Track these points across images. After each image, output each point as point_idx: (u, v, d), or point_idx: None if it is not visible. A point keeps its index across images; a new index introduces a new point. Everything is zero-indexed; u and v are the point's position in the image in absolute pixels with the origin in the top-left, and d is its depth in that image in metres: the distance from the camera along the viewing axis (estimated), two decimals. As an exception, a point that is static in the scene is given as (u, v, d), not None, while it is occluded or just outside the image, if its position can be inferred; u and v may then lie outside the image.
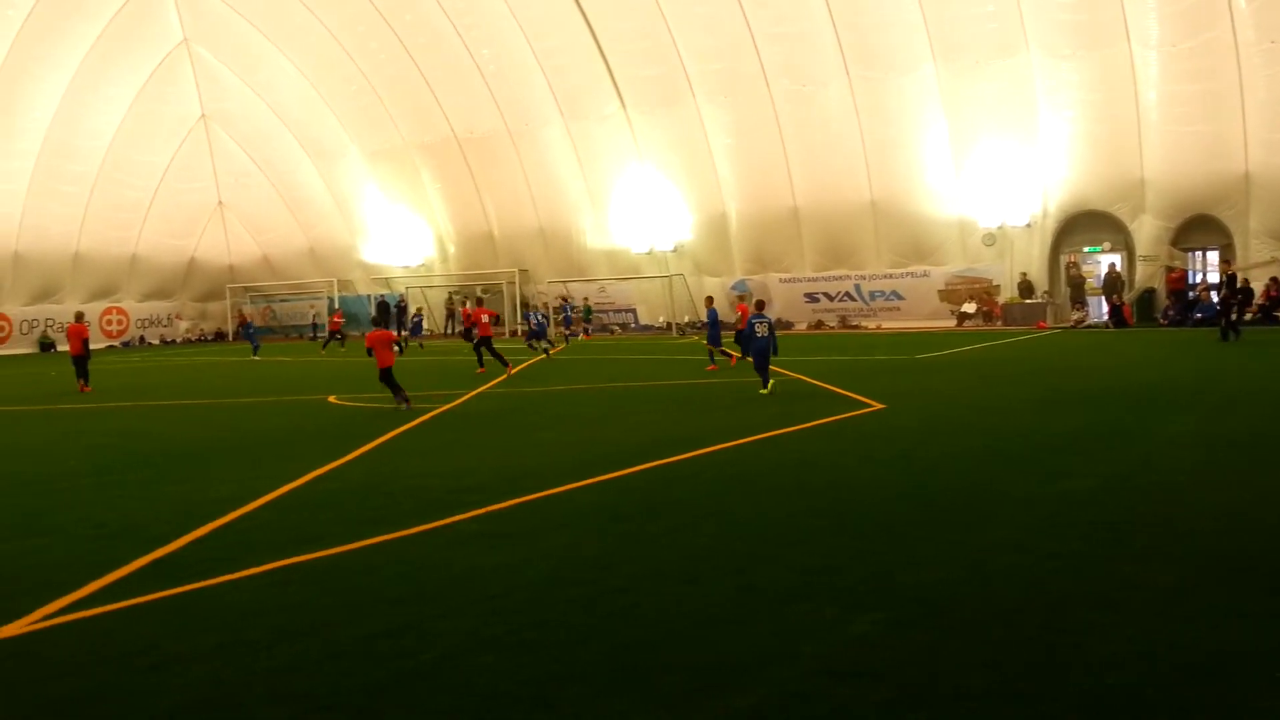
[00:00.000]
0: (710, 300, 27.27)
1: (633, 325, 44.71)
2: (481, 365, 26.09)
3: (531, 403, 18.88)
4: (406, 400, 18.01)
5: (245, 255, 55.70)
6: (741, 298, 28.35)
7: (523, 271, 46.79)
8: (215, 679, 5.42)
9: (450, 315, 49.88)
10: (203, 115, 49.99)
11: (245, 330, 39.81)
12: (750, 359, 19.54)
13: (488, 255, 47.76)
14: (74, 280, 49.81)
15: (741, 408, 16.67)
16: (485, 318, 26.55)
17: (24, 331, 48.18)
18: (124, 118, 47.26)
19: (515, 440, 13.93)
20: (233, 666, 5.59)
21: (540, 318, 34.81)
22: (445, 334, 49.82)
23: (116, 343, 52.13)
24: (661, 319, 43.86)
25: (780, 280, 41.40)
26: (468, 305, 31.46)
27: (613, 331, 45.00)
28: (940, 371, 21.56)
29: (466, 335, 33.30)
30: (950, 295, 38.52)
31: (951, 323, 37.92)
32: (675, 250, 43.01)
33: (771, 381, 18.38)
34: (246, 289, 56.25)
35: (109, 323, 52.16)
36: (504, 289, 47.34)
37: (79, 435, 16.58)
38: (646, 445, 12.83)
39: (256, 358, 35.75)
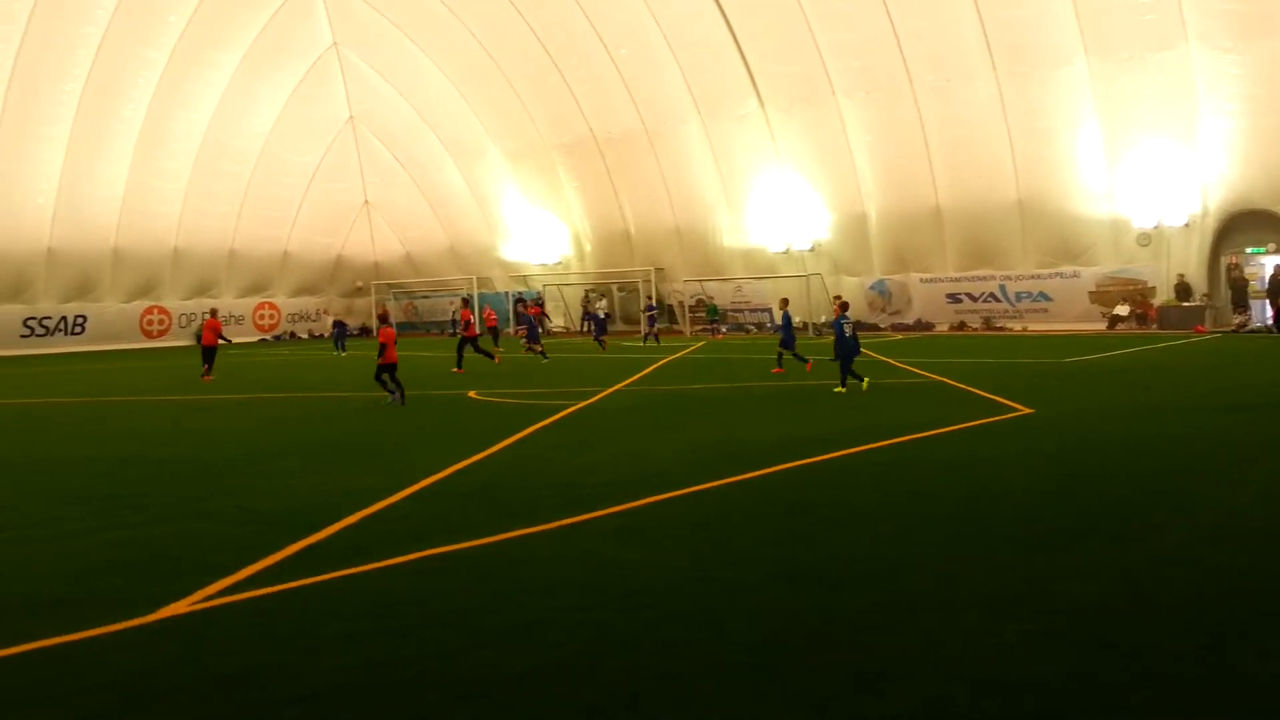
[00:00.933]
0: (785, 302, 26.71)
1: (768, 325, 44.38)
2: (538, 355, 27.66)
3: (666, 401, 18.89)
4: (399, 398, 18.77)
5: (389, 252, 57.36)
6: (838, 297, 27.51)
7: (658, 270, 46.95)
8: (366, 663, 5.54)
9: (586, 314, 50.39)
10: (350, 117, 51.67)
11: (336, 329, 39.78)
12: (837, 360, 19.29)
13: (624, 254, 48.09)
14: (229, 276, 52.12)
15: (877, 409, 16.35)
16: (533, 313, 27.51)
17: (182, 325, 50.57)
18: (276, 119, 49.26)
19: (652, 438, 13.95)
20: (382, 651, 5.71)
21: (603, 315, 35.59)
22: (580, 332, 50.34)
23: (268, 336, 54.27)
24: (798, 319, 43.41)
25: (921, 280, 40.53)
26: (527, 304, 31.89)
27: (748, 331, 44.80)
28: (1092, 376, 20.77)
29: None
30: (1102, 297, 37.07)
31: (1102, 325, 36.50)
32: (813, 249, 42.52)
33: (866, 380, 18.63)
34: (390, 285, 57.89)
35: (261, 317, 54.36)
36: (640, 287, 47.58)
37: (232, 425, 17.27)
38: (783, 445, 12.70)
39: (342, 354, 35.78)
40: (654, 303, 43.10)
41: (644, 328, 39.62)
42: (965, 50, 35.39)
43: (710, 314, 44.60)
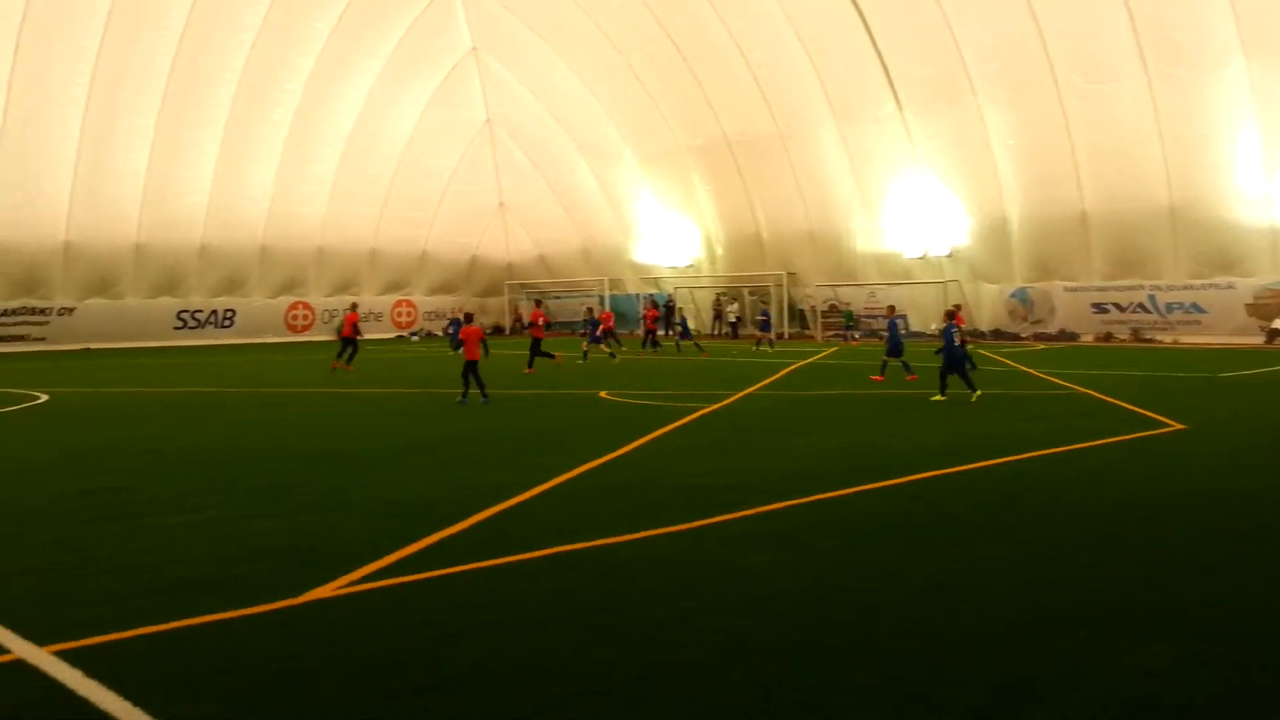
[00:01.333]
0: (892, 309, 26.19)
1: (903, 331, 43.57)
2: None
3: (798, 406, 18.73)
4: (465, 397, 18.94)
5: (523, 254, 58.31)
6: (958, 306, 26.82)
7: (790, 274, 46.58)
8: (498, 654, 5.63)
9: (717, 316, 50.36)
10: (488, 120, 52.71)
11: (451, 325, 38.80)
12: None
13: (755, 257, 47.85)
14: (370, 274, 53.76)
15: (1016, 421, 15.91)
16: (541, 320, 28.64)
17: (325, 320, 52.38)
18: (416, 123, 50.60)
19: (783, 442, 13.84)
20: (514, 643, 5.80)
21: (734, 319, 35.53)
22: (712, 334, 50.31)
23: (405, 333, 55.74)
24: (934, 326, 42.46)
25: (1065, 289, 39.21)
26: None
27: (881, 337, 44.02)
28: (1248, 392, 19.79)
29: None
30: (1259, 310, 35.22)
31: (1260, 340, 34.71)
32: (950, 255, 41.57)
33: (978, 392, 18.40)
34: (523, 286, 58.85)
35: (399, 314, 55.86)
36: (771, 291, 47.29)
37: (371, 418, 17.79)
38: (916, 454, 12.46)
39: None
40: (766, 308, 42.78)
41: (758, 333, 39.30)
42: (1115, 51, 34.07)
43: (846, 320, 43.98)
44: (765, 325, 38.81)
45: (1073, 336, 38.94)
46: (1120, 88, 34.56)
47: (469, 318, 20.93)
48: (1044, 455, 12.30)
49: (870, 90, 40.11)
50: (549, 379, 25.61)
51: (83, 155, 41.67)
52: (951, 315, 19.95)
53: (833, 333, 45.04)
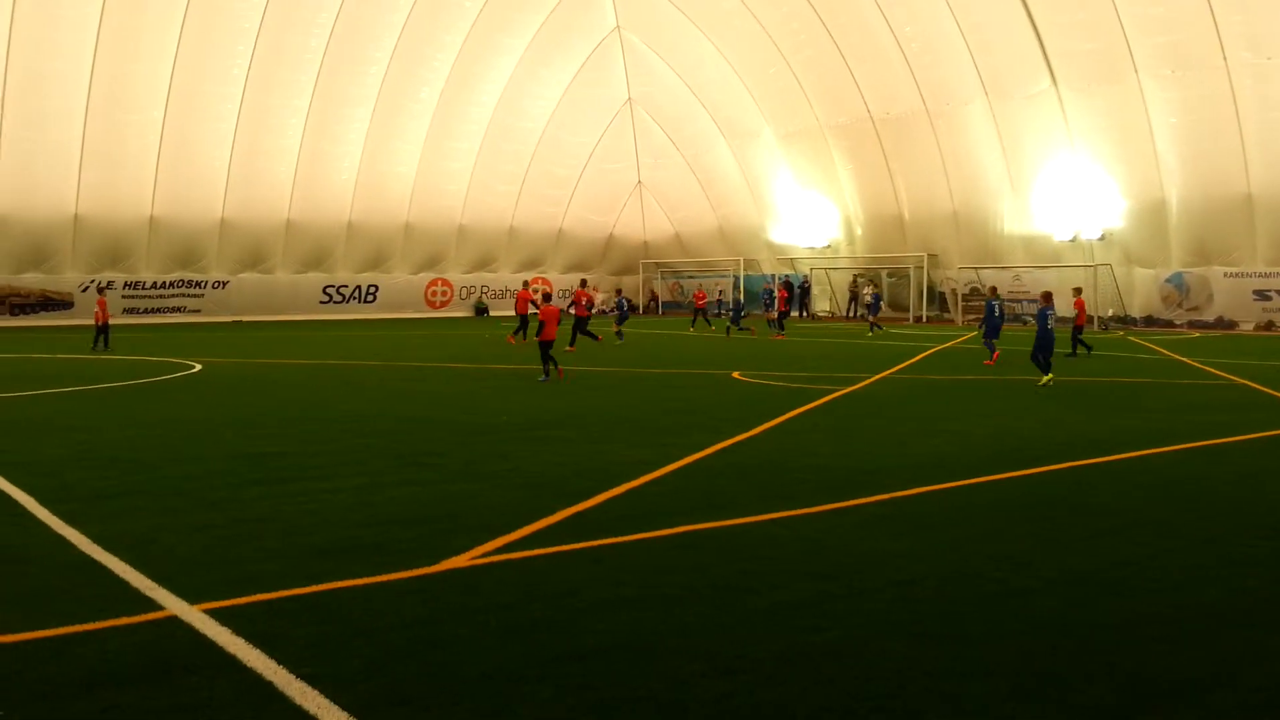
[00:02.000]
0: (994, 290, 25.28)
1: (998, 315, 42.01)
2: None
3: (937, 391, 18.31)
4: (547, 376, 18.91)
5: (659, 232, 58.42)
6: (1078, 290, 26.27)
7: (932, 256, 45.51)
8: (633, 628, 5.65)
9: (853, 297, 49.60)
10: (629, 99, 52.85)
11: (620, 302, 37.67)
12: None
13: (896, 238, 46.91)
14: (507, 251, 54.66)
15: (1168, 411, 15.21)
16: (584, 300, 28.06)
17: (463, 297, 53.47)
18: (558, 102, 51.07)
19: (918, 427, 13.55)
20: (648, 618, 5.81)
21: (872, 299, 34.65)
22: (847, 316, 49.61)
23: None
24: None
25: (1225, 275, 37.32)
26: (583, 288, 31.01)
27: (1025, 322, 42.68)
28: None
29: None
30: None
31: None
32: (1103, 238, 39.97)
33: (1050, 376, 18.37)
34: (658, 264, 58.98)
35: (534, 291, 56.60)
36: (910, 273, 46.31)
37: (508, 393, 18.08)
38: (1063, 442, 12.06)
39: (620, 335, 32.89)
40: (878, 291, 41.79)
41: (869, 316, 38.40)
42: (1290, 24, 32.17)
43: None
44: (875, 308, 38.08)
45: (1230, 324, 37.07)
46: (1294, 62, 32.61)
47: (547, 298, 21.17)
48: (1198, 447, 11.74)
49: (1025, 66, 38.77)
50: (684, 358, 25.64)
51: (240, 135, 43.42)
52: (1048, 298, 19.83)
53: (973, 316, 43.84)
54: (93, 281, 42.40)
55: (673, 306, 57.86)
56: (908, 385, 19.06)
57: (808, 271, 51.43)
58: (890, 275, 48.41)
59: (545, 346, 19.31)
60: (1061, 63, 37.83)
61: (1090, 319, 37.84)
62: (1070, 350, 24.67)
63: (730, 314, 37.37)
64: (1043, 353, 18.69)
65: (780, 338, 34.00)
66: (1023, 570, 6.82)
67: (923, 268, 45.79)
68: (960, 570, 6.81)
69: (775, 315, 37.54)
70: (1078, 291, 26.45)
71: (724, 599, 6.19)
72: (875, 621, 5.79)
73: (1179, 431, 12.80)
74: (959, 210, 43.82)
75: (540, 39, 47.82)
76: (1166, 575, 6.73)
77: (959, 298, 44.92)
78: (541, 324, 19.53)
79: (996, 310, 23.79)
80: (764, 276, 53.14)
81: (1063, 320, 25.42)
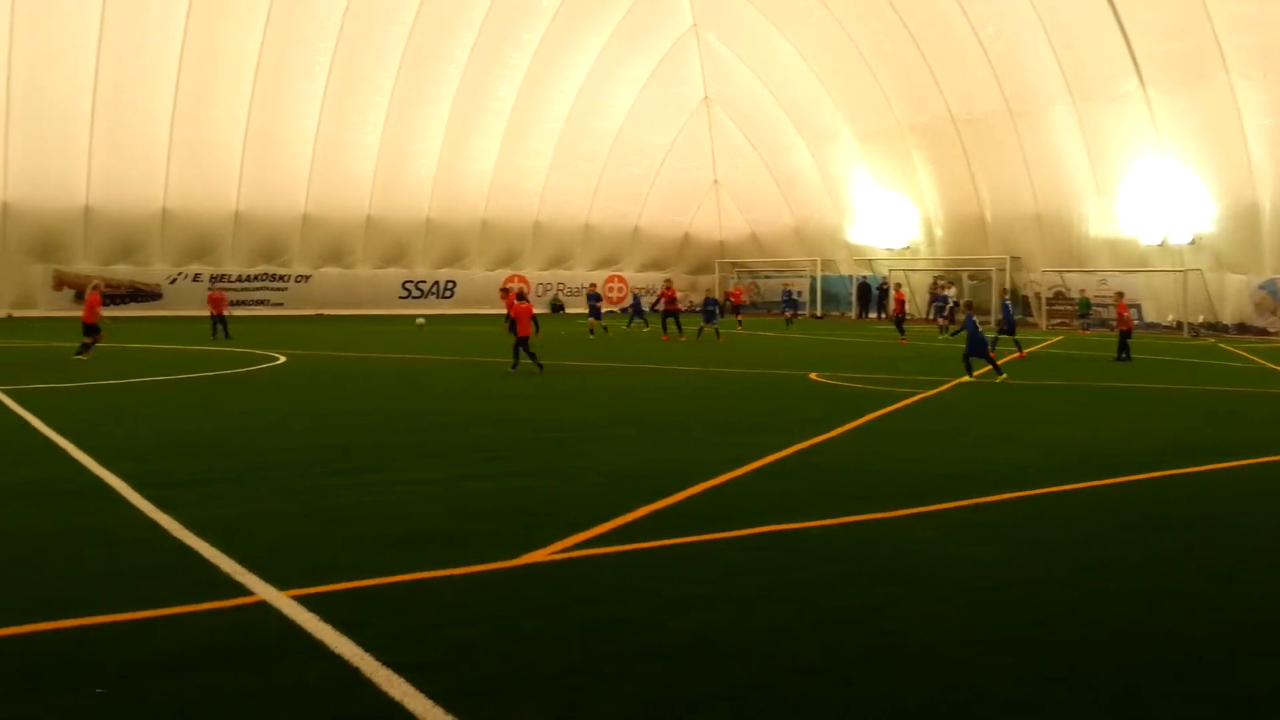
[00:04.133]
0: (1004, 292, 26.08)
1: (1136, 322, 41.16)
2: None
3: (1020, 395, 18.00)
4: (517, 366, 19.53)
5: (735, 232, 58.23)
6: (1120, 294, 26.98)
7: (1014, 258, 44.70)
8: (712, 627, 5.65)
9: (933, 299, 48.93)
10: (705, 97, 52.78)
11: (708, 302, 37.40)
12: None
13: (977, 240, 46.15)
14: (583, 249, 54.93)
15: (1266, 423, 14.77)
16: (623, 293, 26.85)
17: (539, 294, 53.91)
18: (634, 100, 51.22)
19: (1003, 432, 13.36)
20: (727, 618, 5.81)
21: (952, 303, 34.15)
22: (926, 319, 48.99)
23: (615, 309, 56.65)
24: (1171, 318, 40.01)
25: (1321, 282, 36.12)
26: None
27: (1111, 327, 41.72)
28: None
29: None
30: None
31: None
32: (1193, 243, 38.87)
33: (977, 376, 19.40)
34: (734, 264, 58.79)
35: (610, 289, 56.70)
36: (992, 276, 45.57)
37: (585, 391, 18.19)
38: (1151, 450, 11.79)
39: (717, 334, 32.85)
40: (945, 294, 41.04)
41: (933, 316, 37.70)
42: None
43: (1083, 308, 41.66)
44: (941, 309, 37.51)
45: (1325, 333, 35.88)
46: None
47: (521, 295, 21.64)
48: (1295, 459, 11.38)
49: (1111, 67, 37.87)
50: (760, 358, 25.57)
51: (322, 132, 44.28)
52: (970, 306, 21.57)
53: (1058, 321, 43.02)
54: (180, 274, 43.64)
55: (748, 307, 57.63)
56: (990, 390, 18.77)
57: (886, 273, 50.87)
58: (971, 278, 47.66)
59: (522, 343, 19.73)
60: (1149, 63, 36.87)
61: (1179, 324, 36.89)
62: (1117, 355, 24.82)
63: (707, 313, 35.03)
64: (974, 354, 19.82)
65: (903, 342, 32.82)
66: (1110, 580, 6.68)
67: (1005, 270, 45.00)
68: (1044, 579, 6.70)
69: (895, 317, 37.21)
70: (1119, 296, 26.74)
71: (803, 601, 6.16)
72: (955, 628, 5.72)
73: (1274, 442, 12.43)
74: (1042, 212, 42.97)
75: (617, 37, 47.99)
76: (1263, 588, 6.55)
77: (1043, 301, 44.05)
78: (513, 321, 19.88)
79: (1169, 319, 25.07)
80: (842, 278, 52.71)
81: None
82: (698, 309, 39.09)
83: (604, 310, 36.16)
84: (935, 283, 48.92)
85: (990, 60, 40.93)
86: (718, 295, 46.31)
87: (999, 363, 20.23)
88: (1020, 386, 19.43)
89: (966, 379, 19.45)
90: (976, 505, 8.86)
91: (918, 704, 4.68)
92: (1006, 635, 5.60)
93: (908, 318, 45.29)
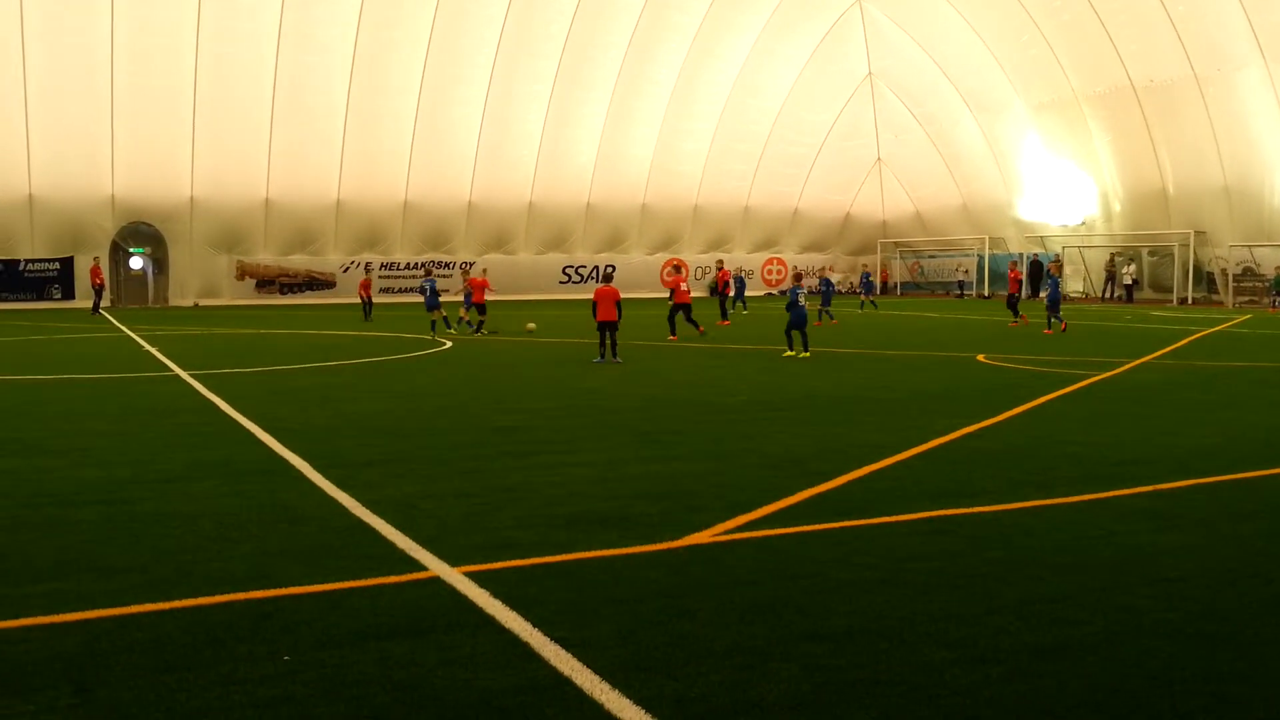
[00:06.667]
0: (1045, 268, 24.65)
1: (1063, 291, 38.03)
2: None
3: (1203, 378, 17.10)
4: (602, 358, 19.13)
5: (898, 211, 56.93)
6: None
7: (1199, 233, 42.32)
8: (880, 612, 5.55)
9: (1110, 278, 46.86)
10: (869, 74, 51.67)
11: (823, 284, 36.25)
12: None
13: (1159, 215, 43.84)
14: (743, 231, 54.65)
15: None
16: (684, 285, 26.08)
17: (698, 277, 53.78)
18: (796, 79, 50.49)
19: (1185, 417, 12.69)
20: (895, 603, 5.70)
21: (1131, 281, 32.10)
22: (1103, 298, 46.94)
23: (774, 291, 56.22)
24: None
25: None
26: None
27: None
28: None
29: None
30: None
31: None
32: (1397, 213, 36.09)
33: (796, 352, 20.01)
34: (897, 244, 57.52)
35: (769, 272, 56.29)
36: (1175, 252, 43.28)
37: (745, 373, 18.13)
38: (1356, 436, 10.99)
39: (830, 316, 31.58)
40: (1111, 271, 38.96)
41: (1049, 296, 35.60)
42: None
43: (1278, 285, 39.15)
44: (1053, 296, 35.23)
45: None
46: None
47: (608, 278, 21.67)
48: None
49: (1308, 24, 35.34)
50: (926, 339, 25.01)
51: (486, 120, 45.33)
52: (799, 277, 22.25)
53: (1246, 298, 40.58)
54: (353, 263, 45.44)
55: (911, 287, 56.45)
56: (1171, 371, 17.87)
57: (1059, 250, 48.91)
58: (1151, 254, 45.38)
59: (602, 327, 19.55)
60: (1353, 18, 34.28)
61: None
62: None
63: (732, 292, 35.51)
64: (795, 327, 20.29)
65: (1014, 325, 31.40)
66: (1309, 572, 6.28)
67: (1189, 246, 42.66)
68: (1236, 570, 6.34)
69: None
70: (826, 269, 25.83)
71: (974, 587, 5.99)
72: (1138, 618, 5.46)
73: None
74: (1231, 184, 40.48)
75: (778, 15, 47.34)
76: None
77: (1230, 278, 41.57)
78: (596, 305, 19.76)
79: (1056, 285, 26.52)
80: (1010, 255, 50.95)
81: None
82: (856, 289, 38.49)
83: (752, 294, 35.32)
84: (1112, 260, 46.81)
85: (1173, 23, 38.65)
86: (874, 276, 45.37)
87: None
88: (1204, 367, 18.46)
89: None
90: (1159, 491, 8.44)
91: (1100, 696, 4.49)
92: (1197, 627, 5.32)
93: (1064, 298, 43.46)
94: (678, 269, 29.02)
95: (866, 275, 41.50)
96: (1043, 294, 29.94)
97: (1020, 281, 33.66)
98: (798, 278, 22.24)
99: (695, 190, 52.06)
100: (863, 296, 39.72)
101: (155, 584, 5.99)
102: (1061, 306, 26.86)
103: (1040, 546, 6.84)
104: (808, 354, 20.07)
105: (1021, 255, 49.85)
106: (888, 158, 54.91)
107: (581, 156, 48.56)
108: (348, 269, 46.26)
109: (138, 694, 4.48)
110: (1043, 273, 47.91)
